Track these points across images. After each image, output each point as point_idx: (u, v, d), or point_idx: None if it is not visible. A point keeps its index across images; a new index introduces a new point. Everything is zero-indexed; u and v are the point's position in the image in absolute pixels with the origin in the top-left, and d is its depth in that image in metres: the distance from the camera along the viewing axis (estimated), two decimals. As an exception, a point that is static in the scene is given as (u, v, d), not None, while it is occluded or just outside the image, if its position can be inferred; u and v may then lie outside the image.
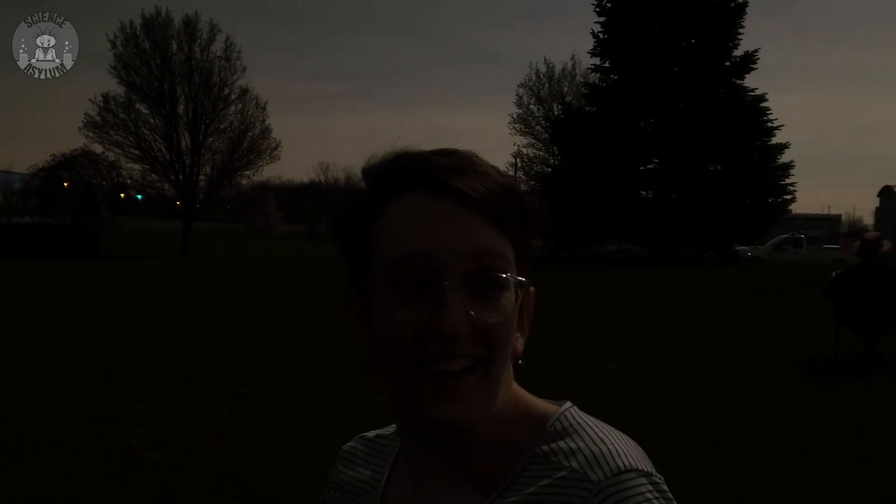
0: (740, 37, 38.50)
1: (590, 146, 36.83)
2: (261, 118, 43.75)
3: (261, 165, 44.52)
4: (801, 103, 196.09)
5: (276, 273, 25.80)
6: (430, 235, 0.94)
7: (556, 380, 9.52)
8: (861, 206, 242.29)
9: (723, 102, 37.35)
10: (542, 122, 53.19)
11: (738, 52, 38.53)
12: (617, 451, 0.99)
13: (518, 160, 57.71)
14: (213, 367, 10.35)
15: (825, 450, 7.03)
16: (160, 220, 56.90)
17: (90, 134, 41.01)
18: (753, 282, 24.17)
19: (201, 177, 43.36)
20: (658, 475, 0.99)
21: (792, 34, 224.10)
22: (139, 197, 48.15)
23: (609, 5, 39.20)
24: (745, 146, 37.12)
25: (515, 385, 1.05)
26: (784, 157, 38.39)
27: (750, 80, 38.79)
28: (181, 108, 42.49)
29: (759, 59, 38.17)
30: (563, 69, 57.06)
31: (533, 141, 56.27)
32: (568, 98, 51.90)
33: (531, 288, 1.06)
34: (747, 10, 38.31)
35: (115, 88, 42.28)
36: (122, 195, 46.90)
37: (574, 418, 1.06)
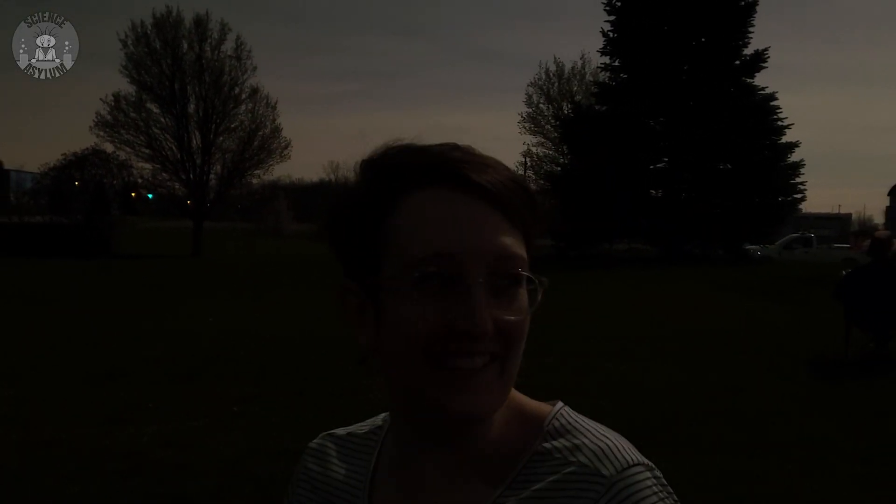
0: (750, 36, 38.47)
1: (599, 145, 36.81)
2: (271, 117, 43.81)
3: (271, 165, 44.55)
4: (811, 102, 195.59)
5: (286, 272, 25.83)
6: (454, 234, 0.93)
7: (563, 379, 9.52)
8: (871, 204, 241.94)
9: (732, 101, 37.29)
10: (552, 121, 53.15)
11: (747, 51, 38.51)
12: (620, 446, 1.01)
13: (528, 159, 57.71)
14: (220, 365, 10.38)
15: (832, 450, 7.01)
16: (171, 219, 57.03)
17: (101, 133, 41.11)
18: (763, 281, 24.13)
19: (212, 176, 43.46)
20: (657, 469, 1.01)
21: (803, 33, 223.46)
22: (150, 196, 48.25)
23: (619, 4, 39.22)
24: (754, 145, 37.05)
25: None
26: (794, 156, 38.40)
27: (760, 79, 38.88)
28: (192, 108, 42.55)
29: (769, 57, 38.18)
30: (573, 68, 57.05)
31: (543, 140, 56.27)
32: (578, 97, 51.84)
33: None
34: (757, 9, 38.27)
35: (126, 88, 42.41)
36: (132, 194, 47.08)
37: (570, 417, 1.06)
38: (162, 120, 42.17)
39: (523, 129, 57.11)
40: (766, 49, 38.28)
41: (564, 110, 52.02)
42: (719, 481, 6.11)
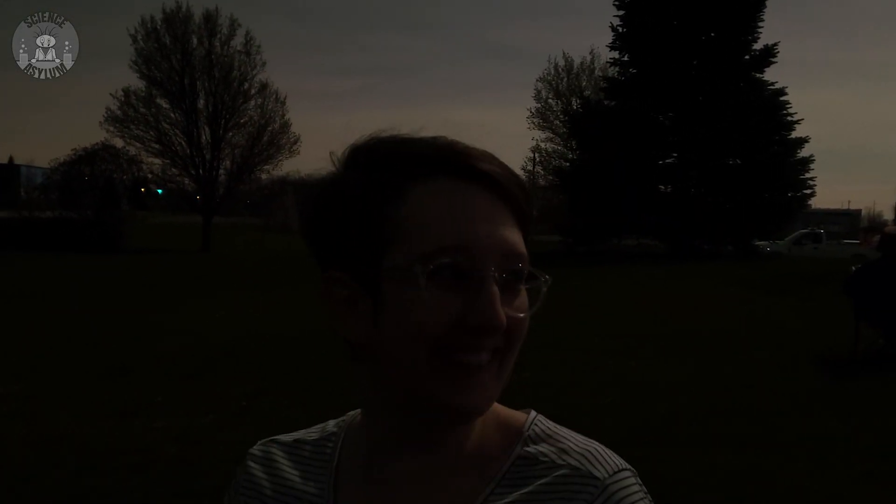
0: (759, 31, 38.35)
1: (608, 140, 36.77)
2: (280, 113, 43.77)
3: (280, 160, 44.46)
4: (821, 98, 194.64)
5: (295, 268, 25.85)
6: (467, 226, 0.92)
7: (573, 377, 9.58)
8: (881, 201, 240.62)
9: (742, 97, 37.18)
10: (561, 116, 53.22)
11: (757, 46, 38.39)
12: (607, 451, 1.02)
13: (536, 154, 57.83)
14: (229, 361, 10.42)
15: (840, 447, 7.00)
16: (180, 214, 57.15)
17: (111, 128, 41.15)
18: (772, 277, 24.08)
19: (221, 171, 43.43)
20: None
21: (813, 29, 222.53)
22: (159, 191, 48.33)
23: (628, -1, 39.14)
24: (764, 141, 36.93)
25: None
26: (804, 152, 38.26)
27: (769, 75, 38.64)
28: (201, 103, 42.53)
29: (778, 53, 38.04)
30: (582, 63, 57.08)
31: (551, 135, 56.36)
32: (586, 92, 51.82)
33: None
34: (766, 4, 38.16)
35: (136, 83, 42.44)
36: (142, 189, 47.12)
37: (548, 424, 1.07)
38: (171, 115, 42.20)
39: (532, 125, 57.17)
40: (775, 44, 38.20)
41: (573, 105, 51.97)
42: (726, 479, 6.13)
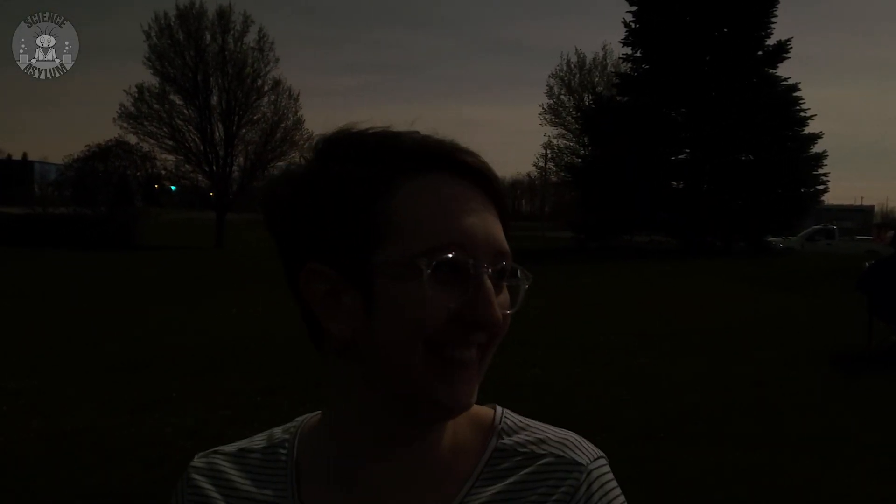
0: (773, 26, 38.27)
1: (621, 136, 36.78)
2: (293, 109, 43.82)
3: (293, 156, 44.28)
4: (834, 94, 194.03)
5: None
6: (465, 222, 0.91)
7: (588, 373, 9.58)
8: (894, 196, 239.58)
9: (755, 92, 37.11)
10: (573, 112, 53.19)
11: (770, 42, 38.33)
12: (582, 439, 1.04)
13: (548, 151, 57.78)
14: (243, 357, 10.47)
15: (854, 443, 7.00)
16: (194, 210, 57.24)
17: (125, 125, 41.22)
18: (785, 274, 24.06)
19: (234, 168, 43.52)
20: None
21: (826, 25, 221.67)
22: (173, 188, 48.41)
23: (641, -5, 39.10)
24: (777, 136, 36.89)
25: None
26: (816, 148, 38.21)
27: (782, 70, 38.67)
28: (215, 100, 42.56)
29: (791, 48, 37.99)
30: (595, 59, 57.10)
31: (563, 131, 56.41)
32: (599, 88, 51.86)
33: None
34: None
35: (150, 79, 42.57)
36: (156, 186, 47.22)
37: (518, 417, 1.08)
38: (185, 112, 42.24)
39: (544, 121, 57.27)
40: (788, 40, 38.13)
41: (585, 101, 52.05)
42: (737, 476, 6.12)
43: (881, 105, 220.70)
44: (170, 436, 6.94)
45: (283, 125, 43.12)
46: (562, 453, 1.00)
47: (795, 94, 37.85)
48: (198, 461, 1.10)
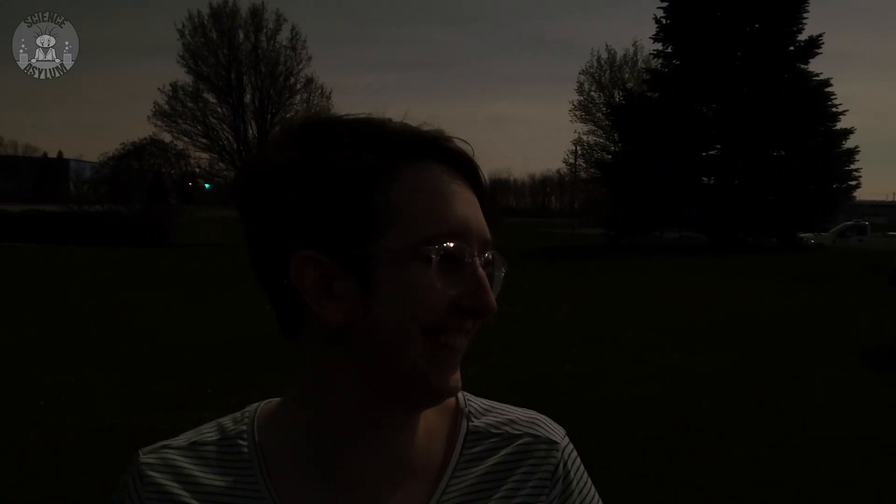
0: (804, 22, 38.05)
1: (651, 132, 36.70)
2: (326, 107, 44.04)
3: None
4: (866, 89, 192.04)
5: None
6: (462, 212, 0.93)
7: (615, 369, 9.66)
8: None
9: (786, 87, 36.90)
10: (603, 108, 53.15)
11: (801, 37, 38.10)
12: (546, 417, 1.10)
13: (578, 147, 57.75)
14: (277, 353, 10.59)
15: (885, 439, 6.98)
16: (228, 208, 57.66)
17: (159, 123, 41.72)
18: (816, 269, 23.96)
19: (268, 166, 43.73)
20: None
21: (858, 20, 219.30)
22: (207, 186, 48.80)
23: (672, -9, 38.99)
24: (808, 132, 36.65)
25: None
26: (848, 143, 37.91)
27: (814, 66, 38.43)
28: (248, 98, 43.01)
29: (823, 44, 37.75)
30: (625, 55, 57.07)
31: (593, 128, 56.43)
32: (629, 84, 51.71)
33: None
34: (812, -6, 37.84)
35: (184, 78, 42.92)
36: (190, 184, 47.61)
37: (480, 399, 1.11)
38: (218, 110, 42.75)
39: (574, 118, 57.47)
40: (820, 35, 37.89)
41: (616, 98, 51.96)
42: (771, 470, 6.14)
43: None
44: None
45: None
46: (536, 432, 1.06)
47: (827, 89, 37.61)
48: (148, 458, 1.02)
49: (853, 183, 38.41)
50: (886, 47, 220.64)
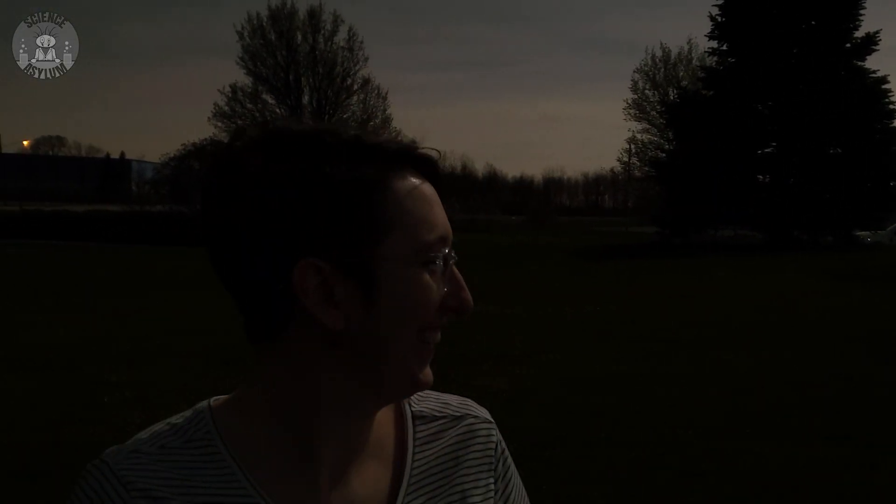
0: (861, 18, 37.81)
1: (706, 130, 36.69)
2: (382, 108, 44.48)
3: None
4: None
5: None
6: (442, 216, 0.99)
7: (670, 367, 9.68)
8: None
9: (843, 84, 36.69)
10: (658, 106, 53.05)
11: (858, 34, 37.86)
12: (471, 400, 1.19)
13: (632, 145, 57.73)
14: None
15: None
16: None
17: (219, 124, 42.20)
18: (872, 268, 23.74)
19: (325, 166, 44.11)
20: None
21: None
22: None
23: (728, -11, 38.93)
24: (865, 129, 36.39)
25: None
26: (906, 140, 37.58)
27: (871, 62, 38.15)
28: (306, 99, 43.33)
29: (880, 40, 37.49)
30: (679, 53, 56.94)
31: (647, 126, 56.35)
32: (684, 82, 51.59)
33: None
34: (869, -10, 37.56)
35: (243, 79, 43.43)
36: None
37: None
38: (277, 111, 43.00)
39: (628, 116, 57.28)
40: (877, 32, 37.64)
41: (670, 96, 51.88)
42: (828, 470, 6.05)
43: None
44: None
45: (371, 123, 43.61)
46: (475, 413, 1.15)
47: (884, 86, 37.36)
48: (125, 463, 0.99)
49: (911, 180, 38.07)
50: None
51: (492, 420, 1.15)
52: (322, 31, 42.95)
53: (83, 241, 33.62)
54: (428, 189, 0.98)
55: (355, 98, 43.52)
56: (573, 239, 41.76)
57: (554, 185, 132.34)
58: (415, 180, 0.97)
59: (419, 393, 1.08)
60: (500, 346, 10.64)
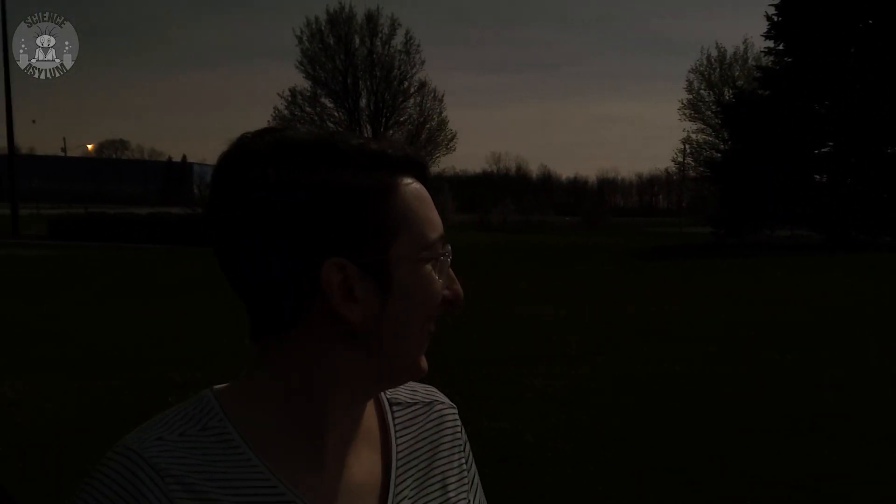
0: (920, 16, 37.35)
1: (762, 130, 36.48)
2: (438, 110, 44.62)
3: (437, 157, 45.40)
4: None
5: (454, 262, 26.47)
6: (438, 216, 1.07)
7: (724, 368, 9.70)
8: None
9: (901, 84, 36.31)
10: (713, 106, 52.80)
11: (918, 33, 37.41)
12: (433, 387, 1.27)
13: (687, 146, 57.51)
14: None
15: None
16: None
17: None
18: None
19: (382, 170, 44.44)
20: None
21: None
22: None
23: (784, -12, 38.68)
24: (925, 129, 36.00)
25: None
26: (967, 140, 37.06)
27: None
28: (363, 102, 43.64)
29: (940, 39, 36.99)
30: (735, 53, 56.69)
31: (702, 126, 56.17)
32: (739, 82, 51.30)
33: None
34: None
35: (302, 83, 43.83)
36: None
37: None
38: (335, 114, 43.43)
39: (683, 116, 57.16)
40: (937, 30, 37.18)
41: (726, 96, 51.60)
42: (888, 473, 6.03)
43: None
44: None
45: (428, 126, 43.97)
46: (441, 399, 1.24)
47: (945, 85, 36.90)
48: (154, 450, 0.99)
49: (971, 180, 37.54)
50: None
51: (455, 405, 1.25)
52: (380, 35, 43.30)
53: (146, 244, 34.25)
54: (424, 190, 1.06)
55: (412, 101, 43.88)
56: (627, 239, 41.63)
57: (608, 185, 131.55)
58: (416, 184, 1.05)
59: None
60: (556, 347, 10.75)
